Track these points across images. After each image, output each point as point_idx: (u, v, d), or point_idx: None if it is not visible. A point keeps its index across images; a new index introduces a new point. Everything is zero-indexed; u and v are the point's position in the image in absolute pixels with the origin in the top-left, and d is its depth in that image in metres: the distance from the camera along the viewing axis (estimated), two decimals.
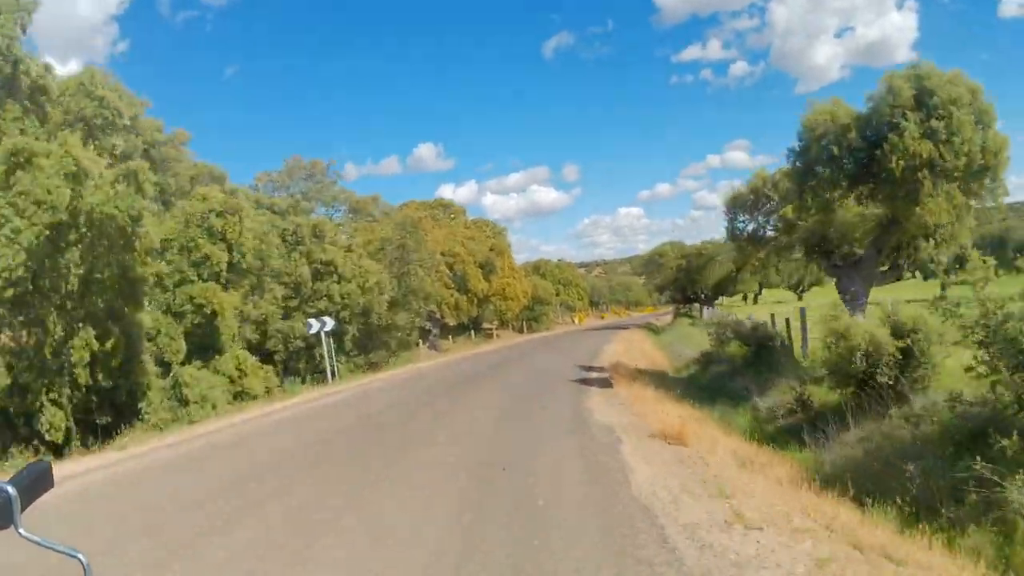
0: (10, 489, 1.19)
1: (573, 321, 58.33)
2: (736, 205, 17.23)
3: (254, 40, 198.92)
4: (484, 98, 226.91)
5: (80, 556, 1.25)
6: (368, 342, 22.66)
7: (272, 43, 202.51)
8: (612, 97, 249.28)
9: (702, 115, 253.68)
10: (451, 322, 35.39)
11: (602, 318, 67.55)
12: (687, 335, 28.35)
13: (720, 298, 49.18)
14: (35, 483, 1.27)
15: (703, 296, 44.55)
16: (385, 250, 25.29)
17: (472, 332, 39.40)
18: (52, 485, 1.32)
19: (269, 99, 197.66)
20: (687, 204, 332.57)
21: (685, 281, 44.82)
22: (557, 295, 56.04)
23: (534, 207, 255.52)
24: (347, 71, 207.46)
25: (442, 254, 31.92)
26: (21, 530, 1.20)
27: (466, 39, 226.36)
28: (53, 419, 10.50)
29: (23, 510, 1.21)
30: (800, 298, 53.53)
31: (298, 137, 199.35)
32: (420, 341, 29.27)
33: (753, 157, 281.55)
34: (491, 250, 38.92)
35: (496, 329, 43.13)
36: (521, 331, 46.50)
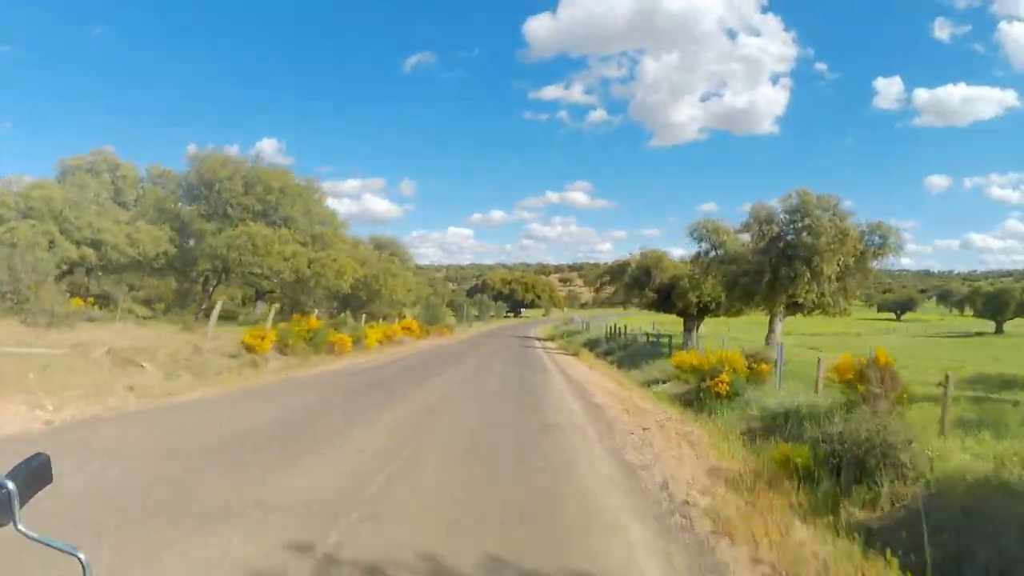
0: (10, 484, 1.14)
1: None
2: None
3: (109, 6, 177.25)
4: (334, 99, 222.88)
5: (80, 555, 1.21)
6: None
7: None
8: (463, 121, 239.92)
9: (549, 153, 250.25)
10: None
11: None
12: None
13: None
14: (34, 477, 1.22)
15: None
16: None
17: None
18: (51, 480, 1.27)
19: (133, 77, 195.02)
20: (519, 233, 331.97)
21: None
22: None
23: (366, 214, 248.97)
24: (201, 58, 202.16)
25: None
26: (20, 526, 1.15)
27: (327, 39, 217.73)
28: None
29: (22, 505, 1.16)
30: None
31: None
32: None
33: (593, 199, 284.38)
34: None
35: None
36: None
